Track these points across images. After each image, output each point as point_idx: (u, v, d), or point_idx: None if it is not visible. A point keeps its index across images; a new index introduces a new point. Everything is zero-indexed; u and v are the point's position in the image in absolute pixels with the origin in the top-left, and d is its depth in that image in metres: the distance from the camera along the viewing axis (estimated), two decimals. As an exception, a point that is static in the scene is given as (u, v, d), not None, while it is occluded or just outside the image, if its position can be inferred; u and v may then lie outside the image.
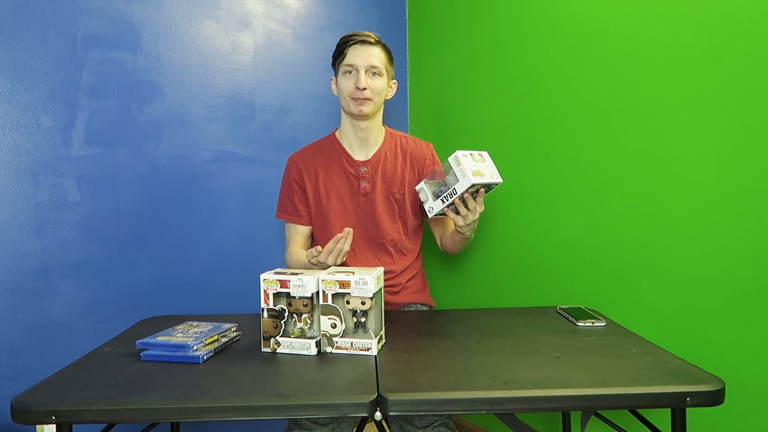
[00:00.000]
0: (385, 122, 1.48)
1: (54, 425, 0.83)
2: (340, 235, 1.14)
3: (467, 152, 1.17)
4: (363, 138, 1.40)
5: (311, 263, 1.20)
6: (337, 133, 1.45)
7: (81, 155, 1.48)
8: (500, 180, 1.21)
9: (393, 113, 2.15)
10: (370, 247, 1.41)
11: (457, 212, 1.21)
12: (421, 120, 2.14)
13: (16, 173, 1.40)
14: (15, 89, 1.39)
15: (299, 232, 1.46)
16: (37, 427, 1.20)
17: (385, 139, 1.44)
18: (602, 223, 1.47)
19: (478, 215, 1.22)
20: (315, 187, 1.41)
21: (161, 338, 1.04)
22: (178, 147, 1.65)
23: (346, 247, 1.15)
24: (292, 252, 1.43)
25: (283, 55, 1.86)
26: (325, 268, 1.19)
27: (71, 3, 1.46)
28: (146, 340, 1.04)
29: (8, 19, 1.37)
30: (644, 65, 1.35)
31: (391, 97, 1.42)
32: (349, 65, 1.32)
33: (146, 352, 1.02)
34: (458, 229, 1.27)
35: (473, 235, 1.38)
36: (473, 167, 1.15)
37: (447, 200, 1.19)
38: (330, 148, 1.43)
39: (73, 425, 0.87)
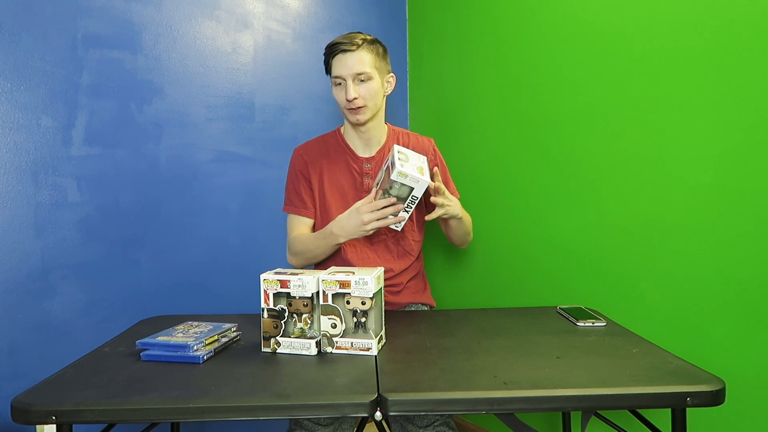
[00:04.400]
0: (386, 120, 1.48)
1: (54, 425, 0.83)
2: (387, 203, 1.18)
3: (396, 156, 1.14)
4: (366, 139, 1.41)
5: (355, 216, 1.21)
6: (342, 130, 1.45)
7: (81, 155, 1.48)
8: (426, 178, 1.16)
9: (393, 112, 2.15)
10: (371, 243, 1.42)
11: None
12: (421, 119, 2.14)
13: (16, 173, 1.40)
14: (15, 89, 1.39)
15: (304, 224, 1.43)
16: (37, 427, 1.19)
17: (388, 137, 1.44)
18: (602, 223, 1.47)
19: (453, 200, 1.29)
20: (319, 180, 1.41)
21: (161, 338, 1.04)
22: (178, 147, 1.65)
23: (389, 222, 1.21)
24: (298, 235, 1.40)
25: (283, 55, 1.86)
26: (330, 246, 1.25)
27: (71, 3, 1.46)
28: (146, 340, 1.04)
29: (8, 19, 1.37)
30: (644, 65, 1.35)
31: (390, 92, 1.40)
32: (336, 77, 1.30)
33: (146, 352, 1.02)
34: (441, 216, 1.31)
35: (467, 216, 1.43)
36: (412, 167, 1.15)
37: (409, 210, 1.19)
38: (335, 144, 1.43)
39: (73, 425, 0.87)
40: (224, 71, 1.73)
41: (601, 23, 1.44)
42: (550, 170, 1.60)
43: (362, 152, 1.42)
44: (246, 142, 1.78)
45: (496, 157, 1.78)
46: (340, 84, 1.31)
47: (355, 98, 1.28)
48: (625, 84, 1.39)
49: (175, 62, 1.64)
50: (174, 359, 1.01)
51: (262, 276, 1.05)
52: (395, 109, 2.15)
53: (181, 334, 1.07)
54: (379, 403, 0.84)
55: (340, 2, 1.99)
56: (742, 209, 1.18)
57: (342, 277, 1.03)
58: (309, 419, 1.26)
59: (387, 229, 1.41)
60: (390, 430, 1.34)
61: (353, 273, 1.04)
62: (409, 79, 2.19)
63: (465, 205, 2.02)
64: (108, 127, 1.53)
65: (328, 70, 1.35)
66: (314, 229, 1.46)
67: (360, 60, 1.28)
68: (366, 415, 0.83)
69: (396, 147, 1.18)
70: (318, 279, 1.04)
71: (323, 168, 1.41)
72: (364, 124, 1.35)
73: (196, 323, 1.17)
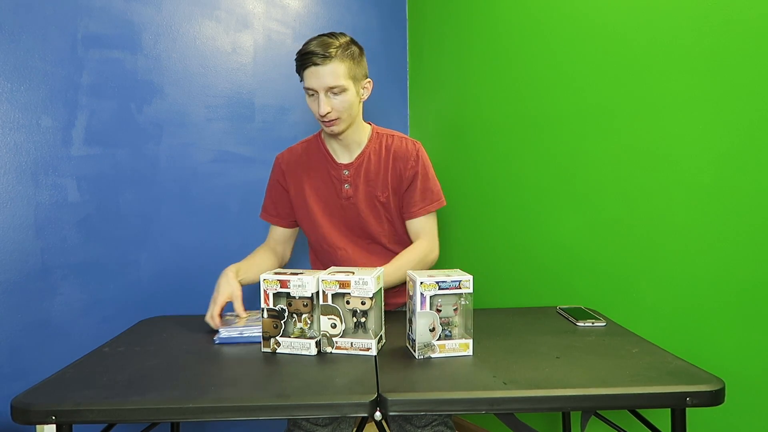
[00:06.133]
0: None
1: (54, 425, 0.83)
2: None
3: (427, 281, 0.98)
4: (343, 145, 1.35)
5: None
6: (322, 134, 1.40)
7: (81, 155, 1.48)
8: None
9: (393, 113, 2.15)
10: (360, 247, 1.39)
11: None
12: (421, 120, 2.14)
13: (16, 173, 1.40)
14: (15, 89, 1.39)
15: (274, 234, 1.45)
16: (37, 427, 1.20)
17: (370, 140, 1.36)
18: (602, 223, 1.47)
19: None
20: (300, 189, 1.38)
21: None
22: (178, 147, 1.65)
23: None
24: (257, 250, 1.43)
25: (283, 55, 1.86)
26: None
27: (71, 3, 1.46)
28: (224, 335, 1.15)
29: (8, 19, 1.37)
30: (645, 65, 1.35)
31: (366, 98, 1.31)
32: (308, 89, 1.22)
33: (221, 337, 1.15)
34: None
35: (414, 263, 1.34)
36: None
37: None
38: (315, 150, 1.39)
39: (73, 425, 0.87)
40: (224, 71, 1.73)
41: (602, 23, 1.44)
42: (550, 170, 1.60)
43: (341, 158, 1.36)
44: (246, 142, 1.78)
45: (496, 157, 1.78)
46: (312, 95, 1.23)
47: (328, 112, 1.22)
48: (624, 84, 1.39)
49: (175, 62, 1.64)
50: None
51: (262, 276, 1.05)
52: (395, 109, 2.15)
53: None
54: (379, 403, 0.84)
55: (340, 2, 1.99)
56: (742, 209, 1.18)
57: (342, 277, 1.03)
58: (307, 419, 1.26)
59: (374, 233, 1.39)
60: (389, 429, 1.34)
61: (353, 273, 1.04)
62: (409, 79, 2.19)
63: (464, 204, 2.01)
64: (108, 127, 1.53)
65: (300, 77, 1.25)
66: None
67: (333, 72, 1.18)
68: (366, 415, 0.83)
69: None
70: (318, 279, 1.04)
71: (303, 175, 1.38)
72: (339, 134, 1.30)
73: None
